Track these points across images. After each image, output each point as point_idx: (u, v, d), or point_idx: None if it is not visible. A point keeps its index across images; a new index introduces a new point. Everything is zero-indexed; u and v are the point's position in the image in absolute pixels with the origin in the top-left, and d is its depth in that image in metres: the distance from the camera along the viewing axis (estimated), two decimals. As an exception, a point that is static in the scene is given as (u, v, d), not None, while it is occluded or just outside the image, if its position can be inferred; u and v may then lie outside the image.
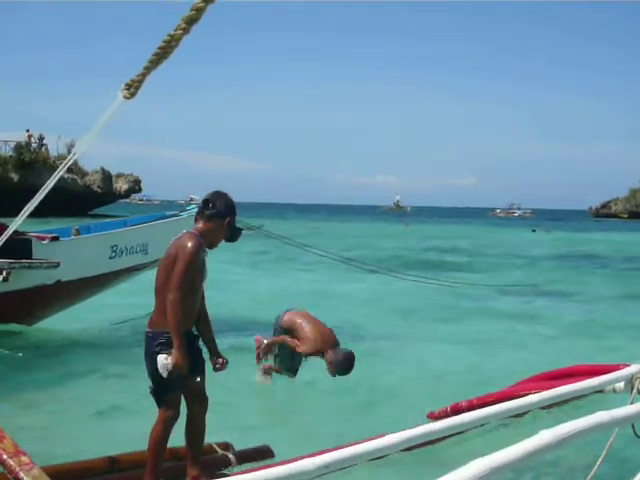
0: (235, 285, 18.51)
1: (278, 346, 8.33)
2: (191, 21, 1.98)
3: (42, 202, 2.69)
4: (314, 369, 8.37)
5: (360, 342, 10.93)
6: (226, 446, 5.58)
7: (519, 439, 2.14)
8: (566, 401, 4.74)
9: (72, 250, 11.18)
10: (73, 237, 11.54)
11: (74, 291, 11.37)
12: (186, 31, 2.00)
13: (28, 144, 53.46)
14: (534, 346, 12.05)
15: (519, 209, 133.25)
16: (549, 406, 4.12)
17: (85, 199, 55.48)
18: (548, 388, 3.16)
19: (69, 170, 51.06)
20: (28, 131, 54.49)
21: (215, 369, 5.12)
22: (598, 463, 3.45)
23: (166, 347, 4.71)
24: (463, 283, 18.35)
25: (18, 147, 52.98)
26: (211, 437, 5.28)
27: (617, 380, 3.40)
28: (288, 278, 21.09)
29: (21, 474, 3.85)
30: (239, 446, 5.73)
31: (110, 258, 11.53)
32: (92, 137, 2.43)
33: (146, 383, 4.89)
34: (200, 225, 4.96)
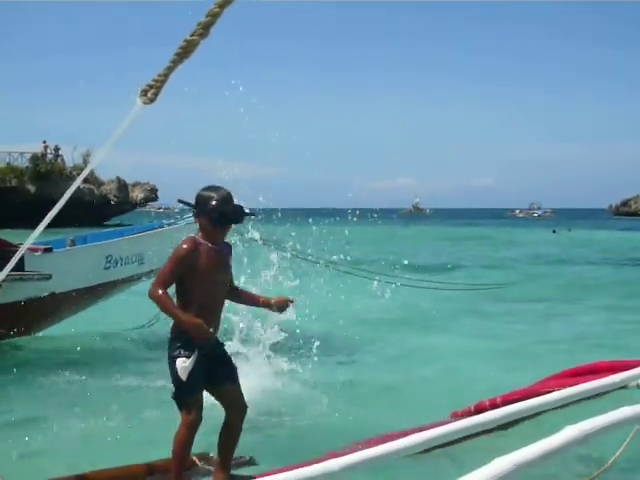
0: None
1: None
2: (207, 26, 1.99)
3: (59, 213, 2.68)
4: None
5: (383, 342, 10.89)
6: (206, 457, 5.49)
7: (542, 436, 2.14)
8: (589, 398, 4.72)
9: (66, 261, 11.07)
10: (67, 248, 11.43)
11: (69, 303, 11.25)
12: (203, 36, 2.01)
13: (44, 155, 53.81)
14: (556, 344, 12.01)
15: (539, 209, 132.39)
16: (572, 403, 4.10)
17: (101, 209, 55.71)
18: (571, 385, 3.15)
19: (85, 180, 51.38)
20: (44, 142, 54.87)
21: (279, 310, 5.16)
22: (615, 456, 3.43)
23: (184, 350, 4.73)
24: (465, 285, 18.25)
25: (34, 158, 53.31)
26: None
27: (640, 375, 3.39)
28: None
29: None
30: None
31: (105, 269, 11.41)
32: (110, 146, 2.39)
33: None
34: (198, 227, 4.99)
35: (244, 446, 5.19)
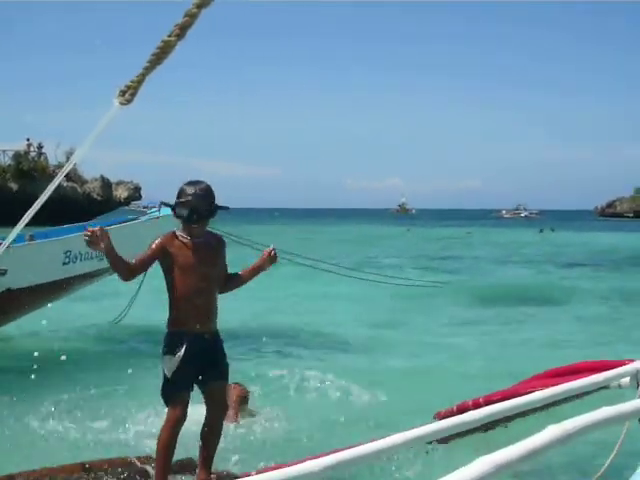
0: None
1: None
2: (184, 27, 1.97)
3: (40, 211, 2.66)
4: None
5: (359, 342, 10.88)
6: (147, 459, 5.42)
7: (525, 436, 2.13)
8: (571, 398, 4.73)
9: (23, 257, 10.77)
10: (24, 243, 11.07)
11: (26, 299, 11.01)
12: (180, 37, 1.99)
13: (27, 153, 53.42)
14: (540, 344, 12.07)
15: (525, 210, 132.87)
16: (555, 403, 4.11)
17: (84, 207, 55.38)
18: (553, 385, 3.15)
19: (68, 178, 51.06)
20: (28, 140, 54.48)
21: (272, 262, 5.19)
22: (610, 458, 3.44)
23: (170, 348, 4.79)
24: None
25: (17, 156, 52.93)
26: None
27: (622, 376, 3.39)
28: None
29: None
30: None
31: (64, 264, 11.17)
32: (88, 146, 2.39)
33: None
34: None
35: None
